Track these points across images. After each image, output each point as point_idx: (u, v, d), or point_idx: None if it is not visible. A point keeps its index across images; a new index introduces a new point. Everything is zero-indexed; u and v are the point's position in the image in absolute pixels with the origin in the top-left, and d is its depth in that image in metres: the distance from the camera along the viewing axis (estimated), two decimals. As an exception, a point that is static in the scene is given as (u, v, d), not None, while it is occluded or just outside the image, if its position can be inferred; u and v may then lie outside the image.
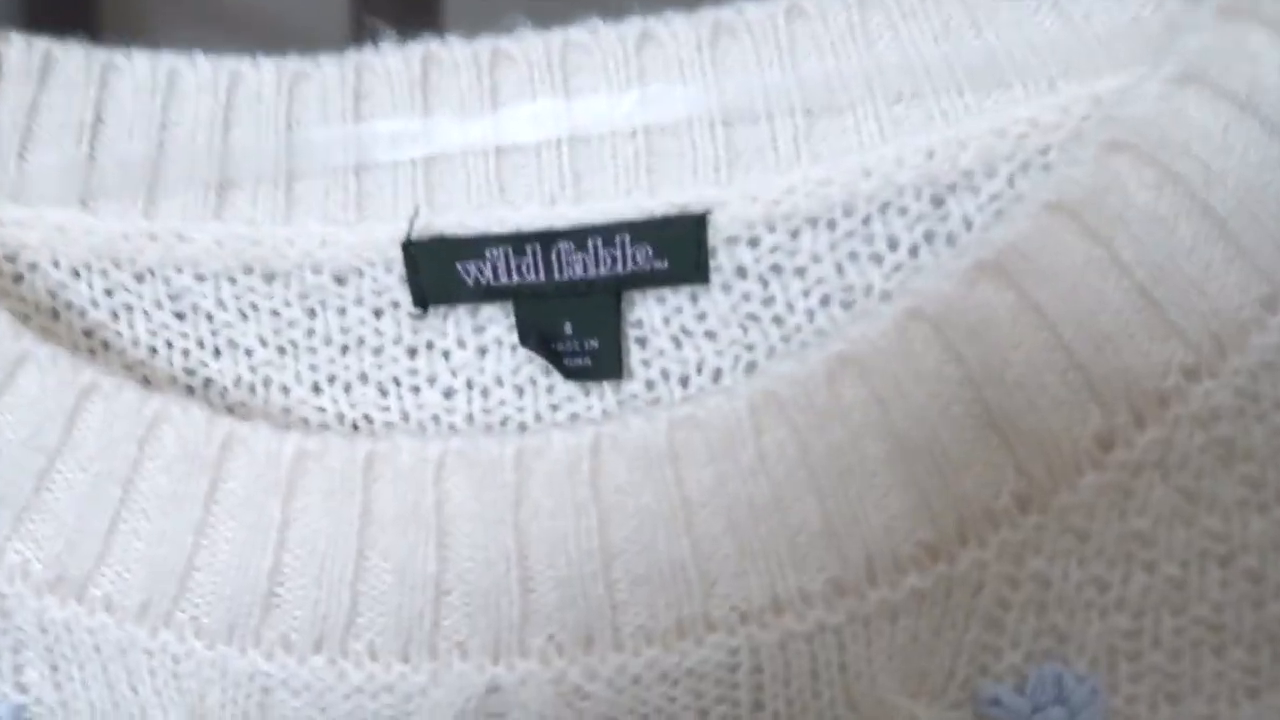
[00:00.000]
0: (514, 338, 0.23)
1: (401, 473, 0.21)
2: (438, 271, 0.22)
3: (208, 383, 0.24)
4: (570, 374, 0.23)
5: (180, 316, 0.24)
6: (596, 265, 0.22)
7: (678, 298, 0.23)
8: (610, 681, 0.20)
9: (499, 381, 0.23)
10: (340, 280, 0.23)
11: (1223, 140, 0.20)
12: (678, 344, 0.23)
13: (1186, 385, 0.20)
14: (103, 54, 0.23)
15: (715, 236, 0.22)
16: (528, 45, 0.22)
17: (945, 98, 0.22)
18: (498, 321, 0.23)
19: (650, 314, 0.23)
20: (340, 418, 0.24)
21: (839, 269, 0.22)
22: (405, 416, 0.24)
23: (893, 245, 0.22)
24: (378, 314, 0.23)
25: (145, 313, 0.24)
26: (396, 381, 0.24)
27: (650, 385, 0.23)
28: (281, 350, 0.24)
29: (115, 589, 0.21)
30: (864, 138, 0.22)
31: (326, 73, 0.23)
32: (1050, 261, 0.20)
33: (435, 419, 0.24)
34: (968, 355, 0.20)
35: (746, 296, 0.22)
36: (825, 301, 0.22)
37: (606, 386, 0.23)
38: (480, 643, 0.20)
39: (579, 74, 0.23)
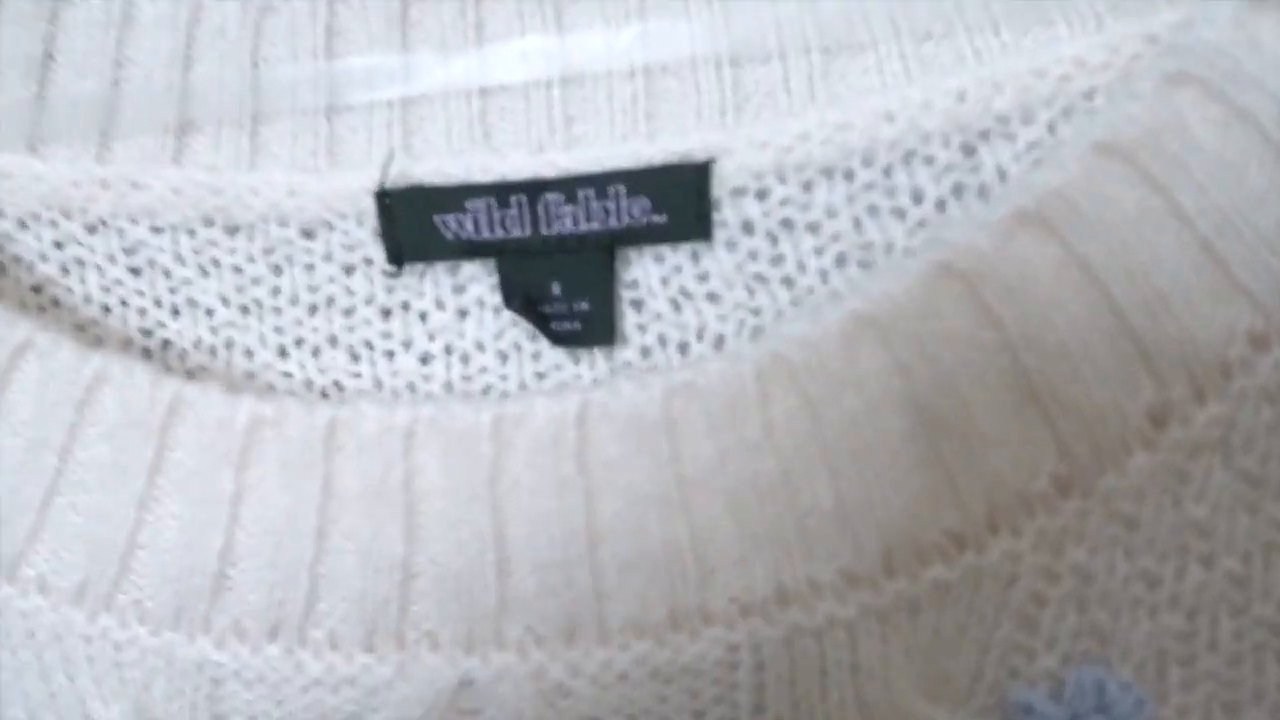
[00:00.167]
0: (497, 299, 0.22)
1: (366, 443, 0.20)
2: (414, 225, 0.21)
3: (165, 344, 0.23)
4: (558, 339, 0.22)
5: (135, 272, 0.23)
6: (588, 219, 0.21)
7: (677, 256, 0.22)
8: (595, 678, 0.19)
9: (480, 347, 0.22)
10: (308, 234, 0.22)
11: (1303, 74, 0.18)
12: (677, 307, 0.22)
13: (1253, 355, 0.18)
14: (53, -16, 0.22)
15: (719, 188, 0.21)
16: (516, -25, 0.22)
17: (979, 35, 0.21)
18: (479, 281, 0.22)
19: (647, 273, 0.22)
20: (308, 384, 0.23)
21: (857, 225, 0.21)
22: (378, 383, 0.23)
23: (917, 199, 0.21)
24: (349, 271, 0.22)
25: (98, 267, 0.23)
26: (369, 345, 0.23)
27: (646, 352, 0.22)
28: (245, 310, 0.23)
29: (50, 568, 0.20)
30: (887, 78, 0.21)
31: (296, 5, 0.22)
32: (1100, 211, 0.18)
33: (410, 387, 0.23)
34: (1004, 316, 0.18)
35: (753, 255, 0.21)
36: (841, 261, 0.21)
37: (598, 353, 0.22)
38: (452, 632, 0.19)
39: (573, 7, 0.22)
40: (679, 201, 0.21)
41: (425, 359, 0.22)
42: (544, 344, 0.22)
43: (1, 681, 0.20)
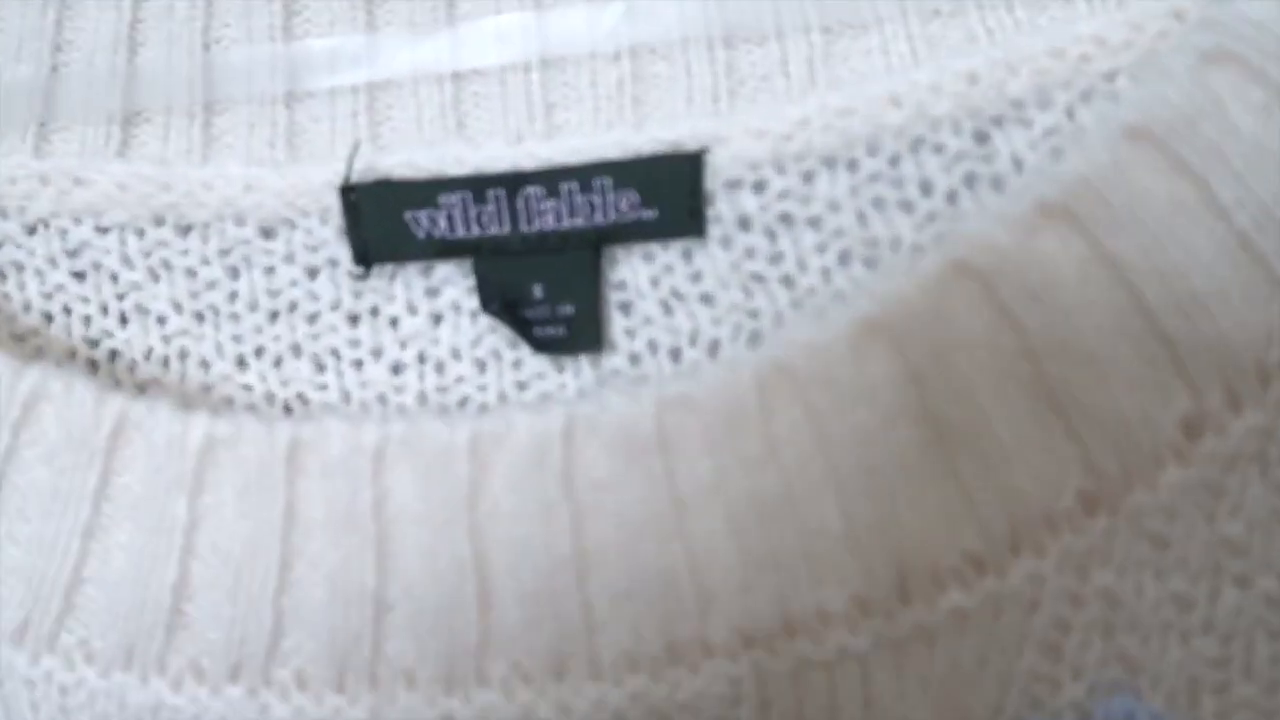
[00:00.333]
0: (474, 302, 0.21)
1: (332, 465, 0.18)
2: (383, 222, 0.20)
3: (113, 355, 0.22)
4: (541, 345, 0.21)
5: (79, 276, 0.22)
6: (571, 214, 0.20)
7: (668, 254, 0.21)
8: (587, 716, 0.18)
9: (456, 355, 0.21)
10: (268, 233, 0.21)
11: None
12: (668, 309, 0.21)
13: (1295, 360, 0.18)
14: (-19, -40, 0.22)
15: (713, 180, 0.20)
16: (491, -53, 0.21)
17: (991, 12, 0.20)
18: (454, 283, 0.21)
19: (635, 273, 0.21)
20: (269, 397, 0.21)
21: (861, 219, 0.20)
22: (346, 395, 0.21)
23: (926, 190, 0.20)
24: (312, 274, 0.21)
25: (38, 271, 0.22)
26: (335, 354, 0.21)
27: (635, 359, 0.21)
28: (199, 317, 0.21)
29: (-14, 606, 0.19)
30: (893, 60, 0.20)
31: (250, -18, 0.21)
32: (1129, 203, 0.17)
33: (381, 398, 0.21)
34: (1026, 320, 0.18)
35: (750, 252, 0.20)
36: (844, 258, 0.20)
37: (584, 360, 0.21)
38: (431, 670, 0.18)
39: (552, -17, 0.21)
40: (669, 195, 0.20)
41: (397, 368, 0.21)
42: (525, 351, 0.21)
43: (-64, 729, 0.19)
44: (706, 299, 0.20)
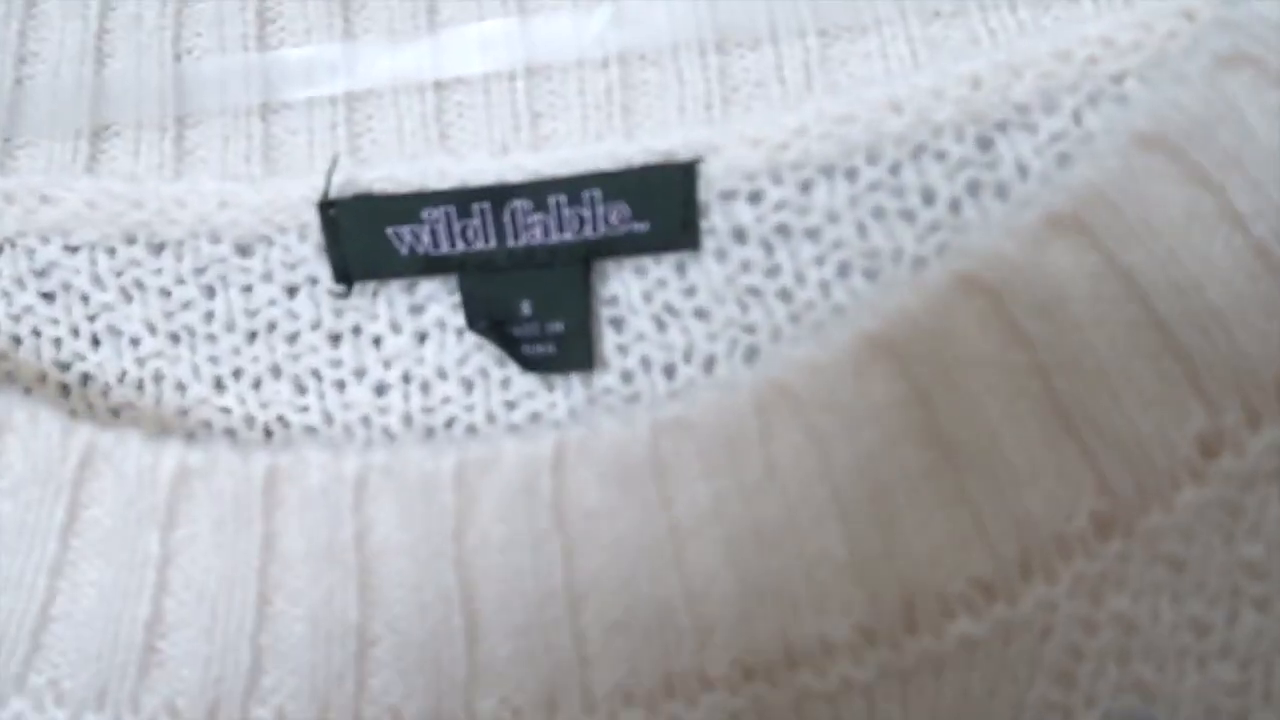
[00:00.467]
0: (460, 320, 0.20)
1: (312, 495, 0.18)
2: (364, 238, 0.20)
3: (85, 379, 0.21)
4: (529, 364, 0.20)
5: (48, 297, 0.21)
6: (560, 228, 0.19)
7: (661, 268, 0.20)
8: None
9: (442, 374, 0.21)
10: (244, 251, 0.20)
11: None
12: (661, 326, 0.20)
13: (1315, 375, 0.17)
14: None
15: (707, 191, 0.19)
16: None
17: (994, 13, 0.20)
18: (439, 300, 0.20)
19: (627, 288, 0.20)
20: (248, 420, 0.21)
21: (861, 230, 0.19)
22: (328, 418, 0.21)
23: (928, 199, 0.19)
24: (291, 292, 0.21)
25: (5, 293, 0.21)
26: (316, 375, 0.21)
27: (627, 377, 0.20)
28: (174, 338, 0.21)
29: (-50, 647, 0.18)
30: (892, 64, 0.20)
31: (223, -11, 0.21)
32: (1143, 213, 0.17)
33: (365, 421, 0.21)
34: (1036, 336, 0.17)
35: (746, 266, 0.20)
36: (844, 271, 0.20)
37: (574, 379, 0.20)
38: (417, 707, 0.17)
39: (537, -13, 0.20)
40: (662, 207, 0.19)
41: (380, 389, 0.20)
42: (513, 370, 0.20)
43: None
44: (701, 314, 0.20)
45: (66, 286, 0.20)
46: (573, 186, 0.19)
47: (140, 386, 0.21)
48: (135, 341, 0.21)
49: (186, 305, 0.20)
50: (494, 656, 0.17)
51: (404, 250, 0.20)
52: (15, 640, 0.18)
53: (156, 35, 0.21)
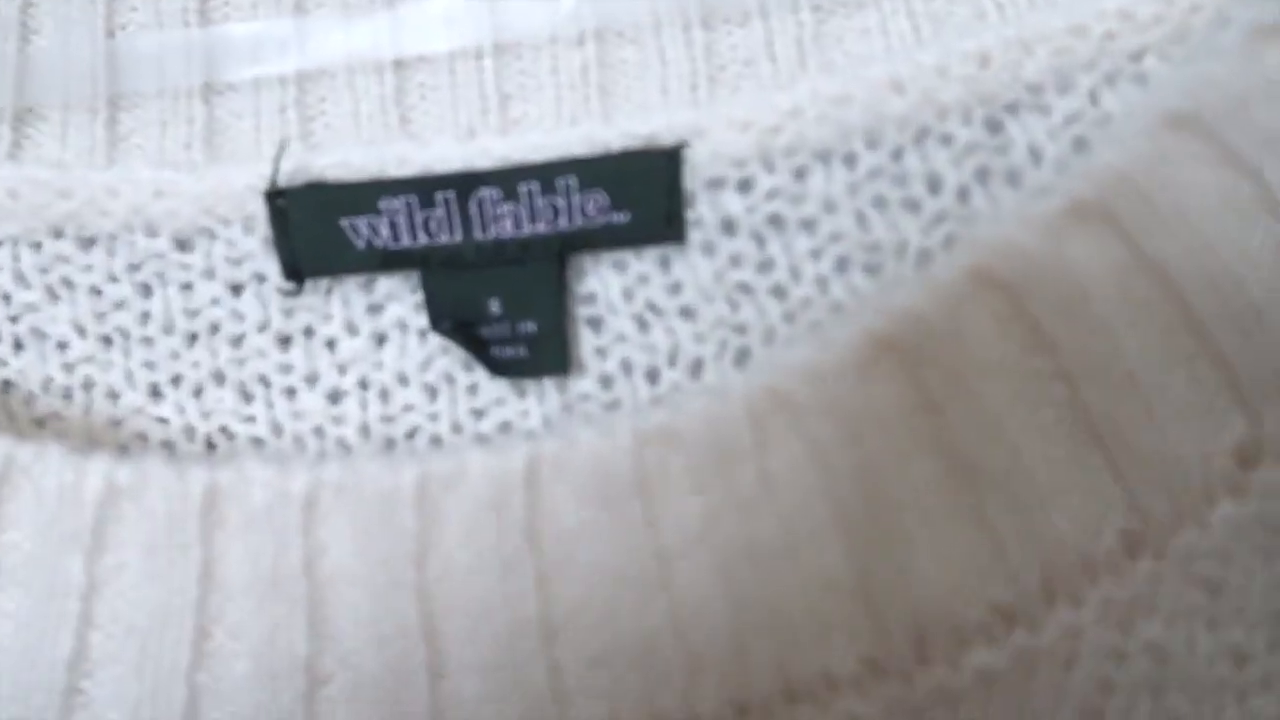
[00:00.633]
0: (422, 320, 0.20)
1: (255, 516, 0.17)
2: (316, 231, 0.19)
3: (6, 386, 0.20)
4: (499, 368, 0.19)
5: None
6: (532, 219, 0.19)
7: (643, 263, 0.19)
8: None
9: (403, 380, 0.20)
10: (184, 245, 0.20)
11: None
12: (643, 326, 0.20)
13: (1362, 375, 0.17)
14: None
15: (692, 178, 0.19)
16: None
17: None
18: (400, 299, 0.20)
19: (606, 285, 0.20)
20: (188, 431, 0.20)
21: (861, 220, 0.19)
22: (277, 429, 0.20)
23: (934, 187, 0.19)
24: (236, 291, 0.20)
25: None
26: (264, 381, 0.20)
27: (607, 382, 0.20)
28: (106, 341, 0.20)
29: None
30: (893, 40, 0.19)
31: (160, -43, 0.20)
32: (1174, 200, 0.16)
33: (318, 431, 0.20)
34: (1058, 337, 0.17)
35: (736, 260, 0.19)
36: (842, 265, 0.19)
37: (548, 384, 0.20)
38: None
39: (506, -43, 0.20)
40: (643, 196, 0.19)
41: (335, 396, 0.20)
42: (482, 375, 0.20)
43: None
44: (687, 313, 0.19)
45: (-14, 285, 0.20)
46: (546, 174, 0.19)
47: (68, 395, 0.20)
48: (63, 345, 0.20)
49: (120, 305, 0.20)
50: (460, 695, 0.16)
51: (360, 244, 0.19)
52: (-81, 681, 0.17)
53: (87, 9, 0.20)
